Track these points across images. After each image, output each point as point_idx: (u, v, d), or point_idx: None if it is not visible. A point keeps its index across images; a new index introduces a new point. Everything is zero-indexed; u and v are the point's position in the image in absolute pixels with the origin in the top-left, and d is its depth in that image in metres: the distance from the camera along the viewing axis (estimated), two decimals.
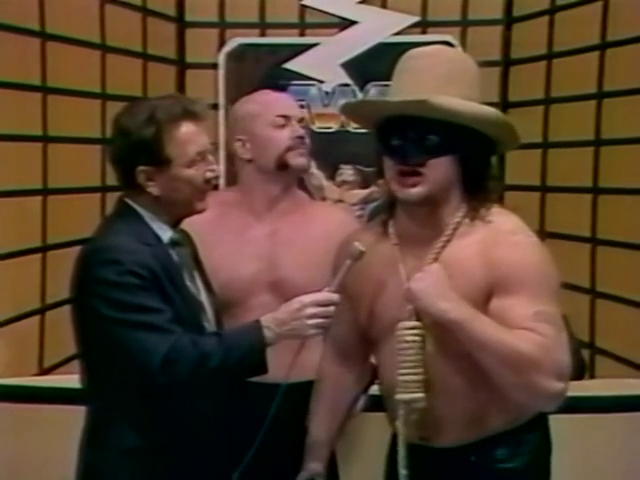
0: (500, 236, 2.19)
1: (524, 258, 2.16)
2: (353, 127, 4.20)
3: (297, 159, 2.81)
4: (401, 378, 2.21)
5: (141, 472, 2.23)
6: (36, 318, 3.79)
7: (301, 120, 2.88)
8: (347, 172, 4.35)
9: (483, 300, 2.16)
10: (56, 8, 3.81)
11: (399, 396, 2.23)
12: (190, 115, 2.25)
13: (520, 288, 2.13)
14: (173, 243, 2.30)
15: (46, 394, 3.33)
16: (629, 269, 3.88)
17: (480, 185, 2.23)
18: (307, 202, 2.96)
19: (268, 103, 2.86)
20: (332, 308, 2.19)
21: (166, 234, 2.29)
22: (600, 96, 4.05)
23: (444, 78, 2.19)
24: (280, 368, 2.56)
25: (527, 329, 2.10)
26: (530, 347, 2.08)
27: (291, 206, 2.83)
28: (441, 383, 2.21)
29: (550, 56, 4.30)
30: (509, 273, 2.14)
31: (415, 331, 2.20)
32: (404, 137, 2.19)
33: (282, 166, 2.79)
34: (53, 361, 3.79)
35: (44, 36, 3.79)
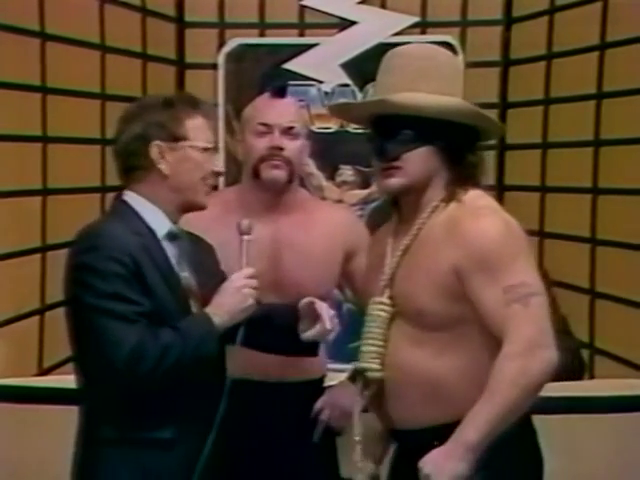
0: (464, 211, 2.25)
1: (485, 230, 2.21)
2: (353, 127, 4.20)
3: (268, 171, 2.74)
4: (362, 348, 2.31)
5: (119, 463, 2.25)
6: (35, 318, 3.79)
7: (289, 130, 2.78)
8: (347, 172, 4.35)
9: (448, 277, 2.21)
10: (56, 8, 3.81)
11: (357, 364, 2.32)
12: (202, 110, 2.31)
13: (486, 262, 2.19)
14: (172, 237, 2.32)
15: (45, 394, 3.33)
16: (629, 269, 3.89)
17: (462, 171, 2.28)
18: (308, 200, 2.94)
19: (258, 109, 2.82)
20: (254, 280, 2.28)
21: (163, 227, 2.30)
22: (599, 96, 4.05)
23: (416, 75, 2.27)
24: (277, 367, 2.56)
25: (499, 323, 2.16)
26: (511, 368, 2.14)
27: (292, 206, 2.82)
28: (397, 357, 2.27)
29: (550, 56, 4.30)
30: (472, 248, 2.20)
31: (381, 306, 2.30)
32: (382, 134, 2.29)
33: (256, 176, 2.77)
34: (52, 361, 3.79)
35: (44, 36, 3.79)
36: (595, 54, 4.05)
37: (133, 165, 2.31)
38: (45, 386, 3.42)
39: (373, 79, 3.86)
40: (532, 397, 2.19)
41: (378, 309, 2.30)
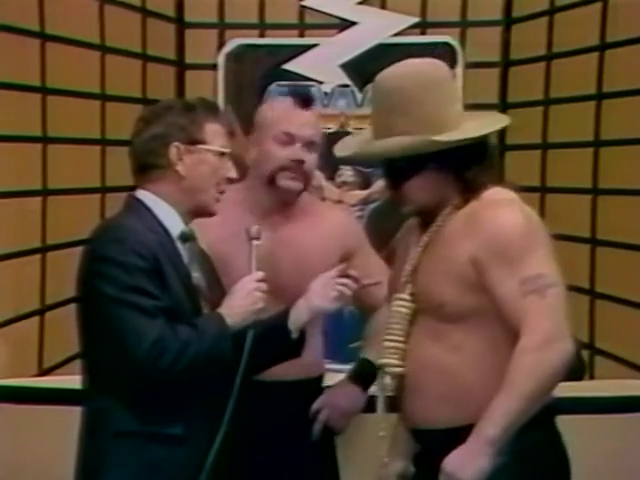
0: (485, 205, 2.27)
1: (505, 221, 2.22)
2: (353, 128, 4.20)
3: (286, 181, 2.74)
4: (384, 344, 2.32)
5: (131, 456, 2.25)
6: (36, 319, 3.79)
7: (311, 143, 2.78)
8: (347, 173, 4.35)
9: (466, 268, 2.22)
10: (55, 9, 3.81)
11: (379, 360, 2.34)
12: (220, 118, 2.36)
13: (504, 253, 2.20)
14: (184, 238, 2.34)
15: (45, 395, 3.33)
16: (629, 270, 3.89)
17: (473, 178, 2.30)
18: (310, 204, 2.93)
19: (282, 116, 2.79)
20: (264, 284, 2.32)
21: (176, 228, 2.33)
22: (599, 97, 4.05)
23: (385, 114, 2.29)
24: (276, 366, 2.55)
25: (515, 314, 2.17)
26: (528, 362, 2.15)
27: (292, 209, 2.81)
28: (416, 351, 2.29)
29: (549, 57, 4.31)
30: (491, 238, 2.21)
31: (402, 302, 2.31)
32: (383, 167, 2.37)
33: (271, 183, 2.76)
34: (52, 362, 3.79)
35: (44, 37, 3.79)
36: (595, 55, 4.05)
37: (150, 164, 2.33)
38: (45, 387, 3.42)
39: (373, 80, 3.86)
40: (550, 389, 2.20)
41: (398, 305, 2.32)
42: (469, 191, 2.29)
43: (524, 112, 4.38)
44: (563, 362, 2.18)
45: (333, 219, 2.89)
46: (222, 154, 2.35)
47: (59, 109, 3.83)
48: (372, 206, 4.33)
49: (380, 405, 2.36)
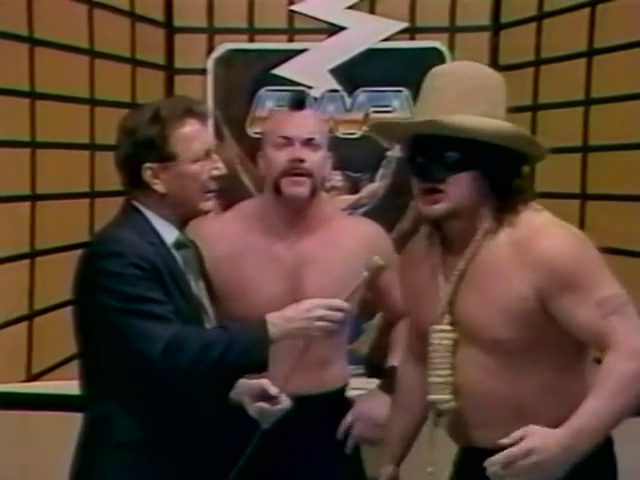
0: (531, 232, 2.20)
1: (563, 249, 2.17)
2: (342, 133, 4.20)
3: (290, 188, 2.71)
4: (430, 379, 2.25)
5: (134, 466, 2.24)
6: (24, 324, 3.78)
7: (309, 141, 2.76)
8: (336, 178, 4.35)
9: (527, 303, 2.17)
10: (44, 13, 3.81)
11: (428, 397, 2.28)
12: (194, 114, 2.31)
13: (572, 281, 2.15)
14: (178, 245, 2.32)
15: (34, 400, 3.33)
16: (617, 275, 3.89)
17: (508, 196, 2.24)
18: (332, 215, 2.89)
19: (277, 122, 2.80)
20: (341, 314, 2.23)
21: (171, 236, 2.32)
22: (588, 102, 4.06)
23: (464, 95, 2.22)
24: (296, 380, 2.52)
25: (600, 335, 2.12)
26: (626, 370, 2.08)
27: (315, 222, 2.77)
28: (472, 386, 2.23)
29: (538, 62, 4.31)
30: (555, 269, 2.15)
31: (445, 334, 2.25)
32: (426, 155, 2.23)
33: (277, 191, 2.74)
34: (41, 367, 3.77)
35: (32, 41, 3.78)
36: (583, 60, 4.07)
37: (132, 183, 2.31)
38: (34, 392, 3.41)
39: (362, 84, 3.87)
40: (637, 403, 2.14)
41: (440, 337, 2.25)
42: (505, 210, 2.23)
43: (512, 117, 4.37)
44: None
45: (361, 233, 2.85)
46: (197, 159, 2.30)
47: (48, 114, 3.83)
48: (361, 211, 4.33)
49: (430, 440, 2.30)
